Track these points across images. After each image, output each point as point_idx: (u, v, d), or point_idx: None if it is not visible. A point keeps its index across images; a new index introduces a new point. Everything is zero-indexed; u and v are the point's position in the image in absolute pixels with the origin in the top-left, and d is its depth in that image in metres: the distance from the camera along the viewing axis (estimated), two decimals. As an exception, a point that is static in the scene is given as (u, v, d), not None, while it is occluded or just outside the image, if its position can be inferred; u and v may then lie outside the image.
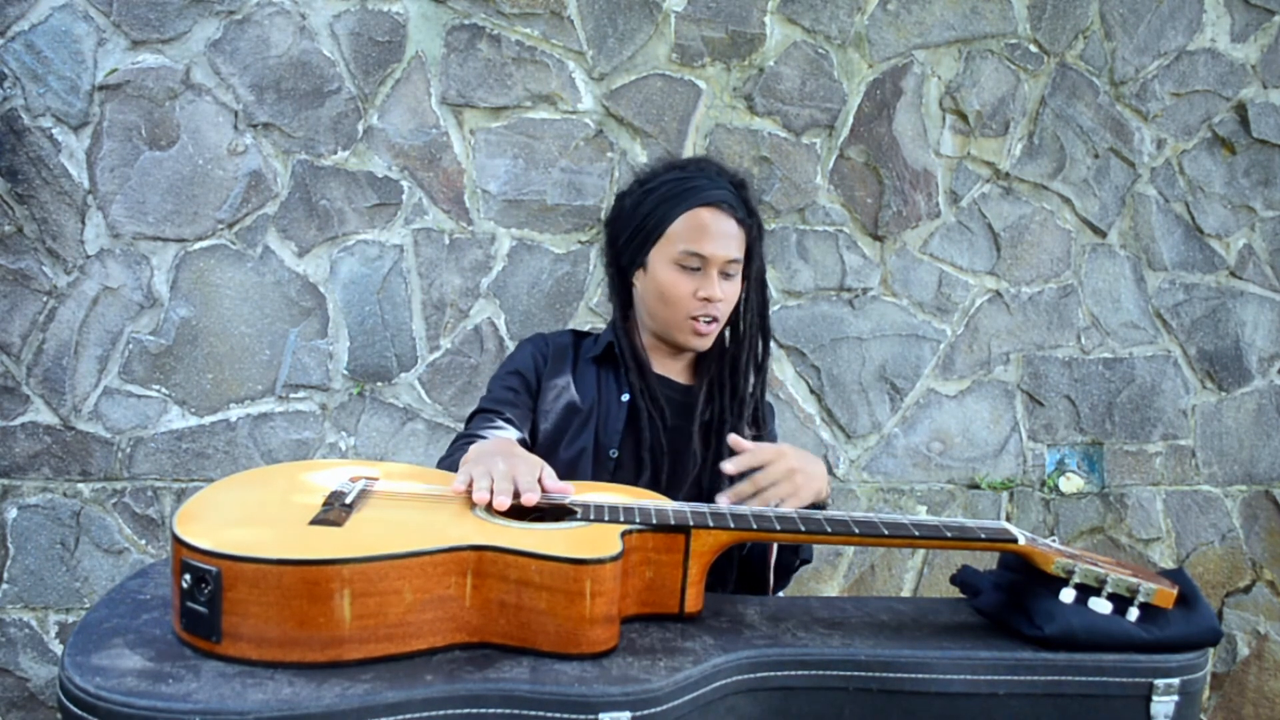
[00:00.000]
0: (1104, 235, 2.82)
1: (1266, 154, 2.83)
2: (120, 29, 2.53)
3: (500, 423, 1.58)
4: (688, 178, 1.61)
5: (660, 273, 1.59)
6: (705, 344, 1.62)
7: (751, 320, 1.68)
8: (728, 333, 1.67)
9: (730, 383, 1.66)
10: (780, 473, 1.38)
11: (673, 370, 1.68)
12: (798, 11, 2.69)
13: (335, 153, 2.61)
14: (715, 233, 1.56)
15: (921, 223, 2.77)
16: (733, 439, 1.43)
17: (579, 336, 1.74)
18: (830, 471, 2.79)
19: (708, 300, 1.57)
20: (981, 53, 2.74)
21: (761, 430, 1.70)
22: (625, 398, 1.62)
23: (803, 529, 1.21)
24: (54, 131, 2.54)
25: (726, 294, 1.59)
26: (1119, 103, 2.79)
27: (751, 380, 1.68)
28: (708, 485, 1.58)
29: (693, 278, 1.57)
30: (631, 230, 1.62)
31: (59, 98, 2.53)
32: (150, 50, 2.55)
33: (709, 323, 1.58)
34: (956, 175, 2.77)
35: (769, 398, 1.77)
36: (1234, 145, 2.81)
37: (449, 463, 1.48)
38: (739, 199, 1.61)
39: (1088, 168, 2.79)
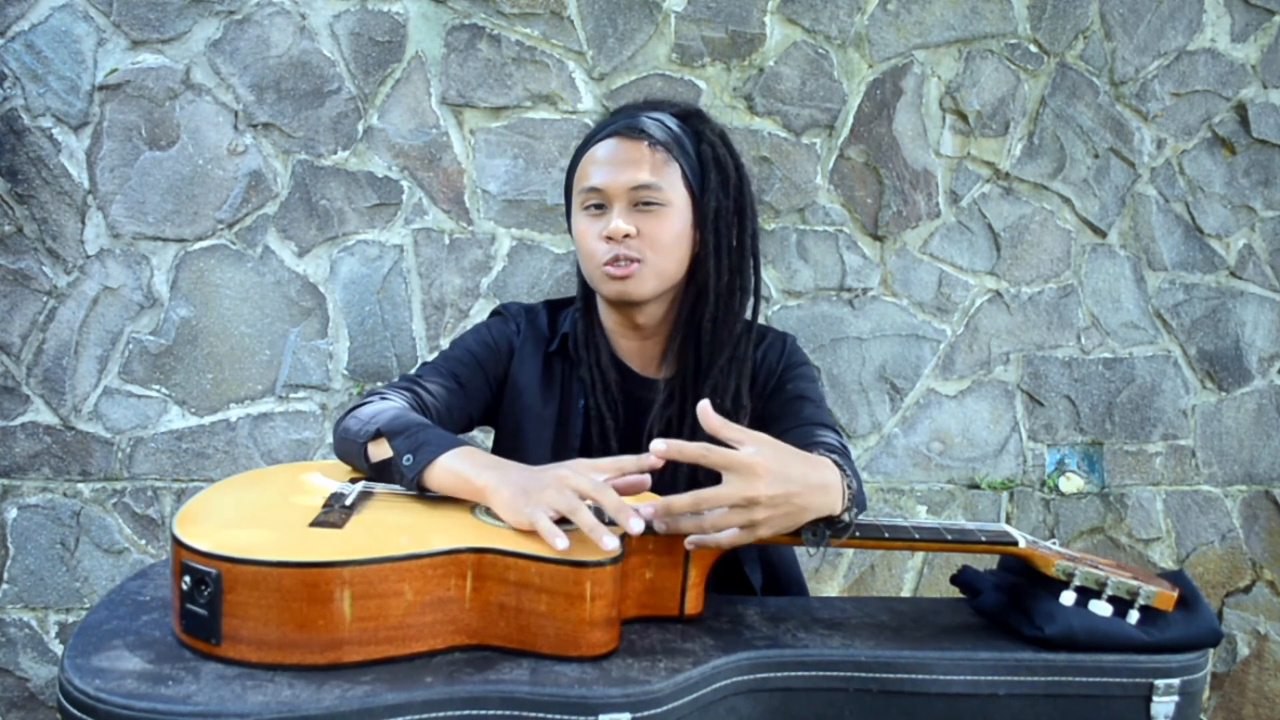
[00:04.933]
0: (1104, 235, 2.82)
1: (1266, 154, 2.83)
2: (120, 29, 2.53)
3: (441, 387, 1.41)
4: (602, 123, 1.43)
5: (574, 225, 1.41)
6: (630, 290, 1.36)
7: (718, 274, 1.39)
8: (689, 303, 1.42)
9: (695, 360, 1.42)
10: (733, 497, 1.05)
11: (643, 354, 1.47)
12: (798, 11, 2.69)
13: (335, 153, 2.61)
14: (608, 160, 1.36)
15: (921, 223, 2.77)
16: (703, 410, 1.07)
17: (554, 313, 1.54)
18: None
19: (610, 238, 1.34)
20: (981, 53, 2.74)
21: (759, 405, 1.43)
22: (583, 403, 1.44)
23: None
24: (54, 131, 2.54)
25: (644, 228, 1.35)
26: (1119, 103, 2.79)
27: (724, 356, 1.40)
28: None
29: (598, 219, 1.37)
30: (564, 196, 1.47)
31: (59, 98, 2.53)
32: (150, 50, 2.55)
33: (625, 264, 1.34)
34: (956, 175, 2.77)
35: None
36: (1234, 145, 2.81)
37: (362, 425, 1.28)
38: (660, 124, 1.37)
39: (1088, 168, 2.79)
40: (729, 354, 1.41)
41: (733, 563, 1.44)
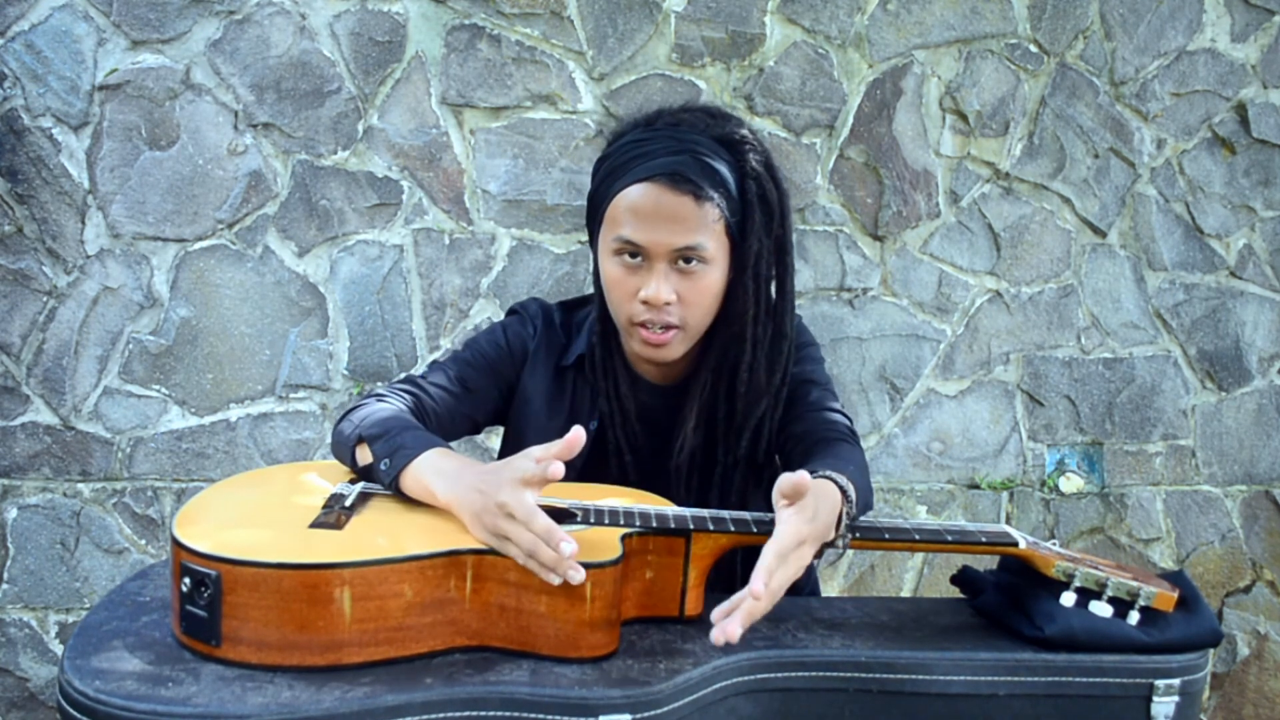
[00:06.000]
0: (1104, 235, 2.82)
1: (1266, 154, 2.83)
2: (120, 29, 2.53)
3: (444, 390, 1.38)
4: (639, 142, 1.29)
5: (603, 264, 1.32)
6: (663, 355, 1.31)
7: (756, 321, 1.33)
8: (718, 338, 1.35)
9: (728, 408, 1.36)
10: (791, 577, 1.05)
11: (664, 372, 1.41)
12: (798, 11, 2.69)
13: (335, 153, 2.61)
14: (652, 214, 1.25)
15: (921, 223, 2.77)
16: (798, 483, 1.04)
17: (569, 317, 1.48)
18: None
19: (648, 303, 1.27)
20: (981, 53, 2.74)
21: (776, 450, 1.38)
22: (594, 424, 1.39)
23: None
24: (54, 131, 2.54)
25: (684, 293, 1.27)
26: (1119, 103, 2.79)
27: (760, 409, 1.35)
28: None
29: (634, 272, 1.28)
30: (586, 210, 1.38)
31: (59, 98, 2.53)
32: (150, 50, 2.55)
33: (662, 330, 1.28)
34: (956, 175, 2.77)
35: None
36: (1234, 145, 2.81)
37: (361, 426, 1.26)
38: (704, 166, 1.25)
39: (1088, 168, 2.79)
40: (765, 406, 1.36)
41: (756, 556, 1.43)
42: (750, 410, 1.36)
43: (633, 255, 1.28)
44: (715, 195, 1.26)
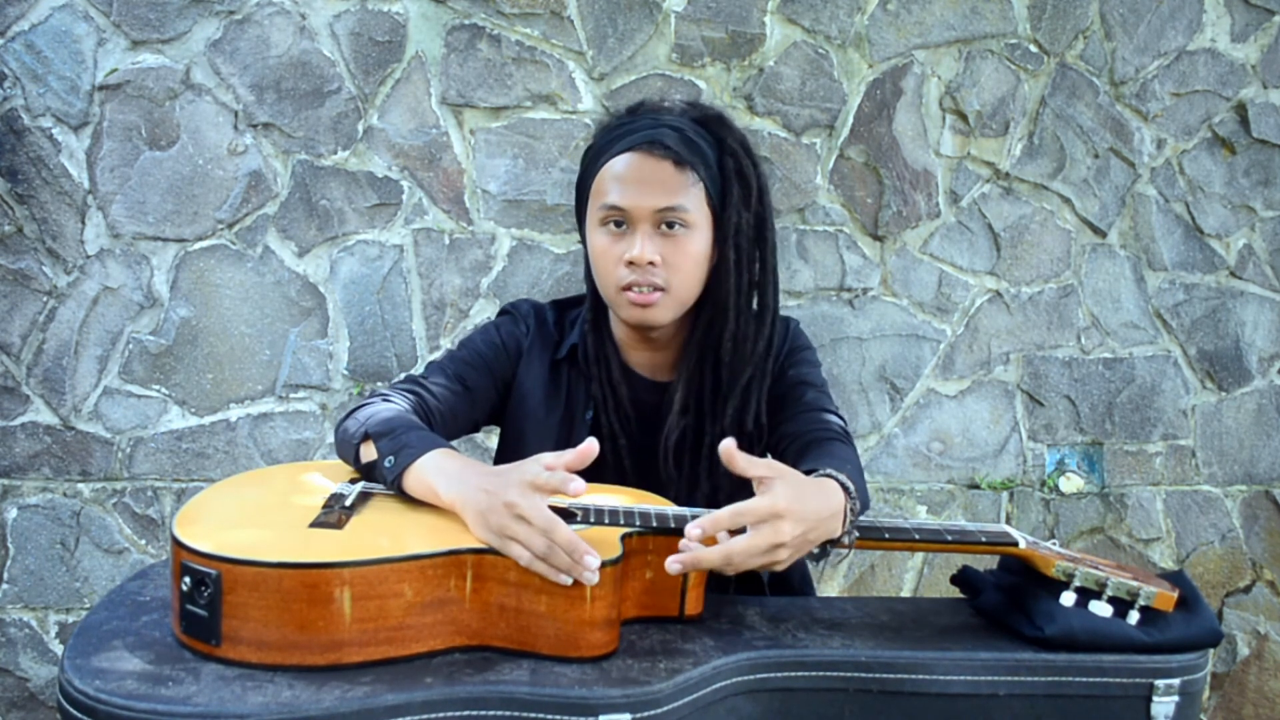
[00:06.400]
0: (1104, 235, 2.82)
1: (1266, 154, 2.83)
2: (120, 29, 2.53)
3: (446, 389, 1.39)
4: (621, 124, 1.36)
5: (591, 239, 1.36)
6: (652, 318, 1.34)
7: (739, 291, 1.36)
8: (706, 312, 1.38)
9: (714, 380, 1.39)
10: (762, 545, 1.06)
11: (654, 363, 1.44)
12: (798, 11, 2.69)
13: (335, 153, 2.61)
14: (633, 178, 1.30)
15: (921, 223, 2.77)
16: (727, 452, 1.09)
17: (562, 314, 1.52)
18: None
19: (633, 263, 1.31)
20: (981, 53, 2.74)
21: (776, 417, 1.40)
22: (589, 415, 1.42)
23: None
24: (54, 131, 2.54)
25: (668, 255, 1.31)
26: (1119, 103, 2.79)
27: (745, 376, 1.38)
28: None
29: (620, 239, 1.33)
30: (575, 199, 1.43)
31: (59, 98, 2.53)
32: (150, 50, 2.55)
33: (647, 291, 1.32)
34: (956, 175, 2.77)
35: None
36: (1234, 145, 2.81)
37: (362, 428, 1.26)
38: (683, 137, 1.32)
39: (1088, 168, 2.79)
40: (750, 373, 1.39)
41: None
42: (735, 378, 1.39)
43: (618, 224, 1.33)
44: (693, 160, 1.32)
